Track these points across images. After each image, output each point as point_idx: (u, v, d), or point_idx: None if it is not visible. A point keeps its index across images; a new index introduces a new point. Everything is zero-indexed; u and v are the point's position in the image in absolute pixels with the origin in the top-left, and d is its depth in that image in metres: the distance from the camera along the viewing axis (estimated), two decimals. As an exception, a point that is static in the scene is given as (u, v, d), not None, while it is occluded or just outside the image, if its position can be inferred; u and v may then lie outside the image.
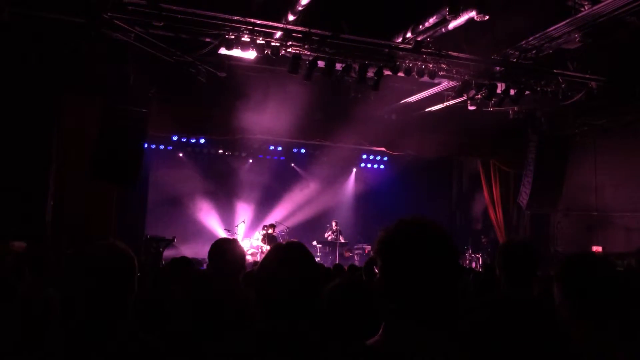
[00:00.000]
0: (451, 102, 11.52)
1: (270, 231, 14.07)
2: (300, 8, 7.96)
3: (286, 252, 1.96)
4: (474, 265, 14.07)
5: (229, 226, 14.83)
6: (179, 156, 15.17)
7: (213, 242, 3.46)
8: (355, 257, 15.13)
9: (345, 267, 7.27)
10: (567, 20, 8.07)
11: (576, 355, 1.88)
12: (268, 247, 13.60)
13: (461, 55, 9.54)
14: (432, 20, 8.22)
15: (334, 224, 15.33)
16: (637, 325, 1.87)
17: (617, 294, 1.88)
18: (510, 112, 12.25)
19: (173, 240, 11.80)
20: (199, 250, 12.41)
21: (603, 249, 12.26)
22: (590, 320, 1.89)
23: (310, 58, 9.20)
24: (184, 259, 5.88)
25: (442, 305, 1.50)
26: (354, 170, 17.56)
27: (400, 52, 9.33)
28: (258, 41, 8.68)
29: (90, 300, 2.04)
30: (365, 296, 2.22)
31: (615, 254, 11.54)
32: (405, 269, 1.50)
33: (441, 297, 1.50)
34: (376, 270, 1.67)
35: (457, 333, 1.55)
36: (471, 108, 11.30)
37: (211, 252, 3.38)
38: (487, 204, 14.85)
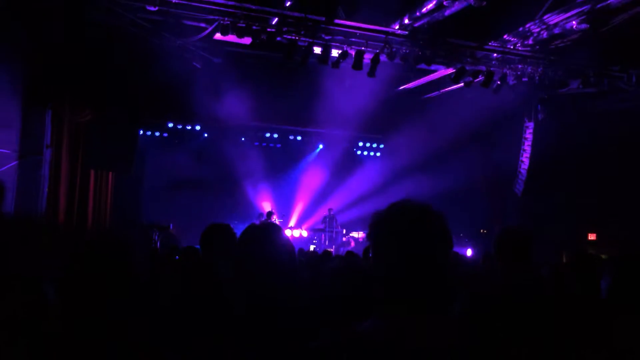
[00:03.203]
0: (448, 89, 11.49)
1: (268, 219, 14.07)
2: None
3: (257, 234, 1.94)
4: (469, 252, 14.11)
5: (226, 213, 14.81)
6: (175, 143, 15.10)
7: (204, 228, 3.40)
8: (352, 243, 15.16)
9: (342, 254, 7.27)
10: (565, 7, 8.03)
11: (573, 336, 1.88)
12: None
13: (458, 41, 9.50)
14: (429, 7, 8.17)
15: (329, 210, 15.34)
16: None
17: None
18: (507, 98, 12.23)
19: (169, 227, 11.78)
20: (195, 238, 12.38)
21: (598, 235, 12.33)
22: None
23: (306, 44, 9.14)
24: (192, 248, 5.85)
25: (435, 289, 1.48)
26: (351, 157, 17.53)
27: (397, 39, 9.28)
28: (253, 27, 8.61)
29: (90, 287, 2.04)
30: (362, 278, 2.21)
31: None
32: (397, 251, 1.48)
33: (434, 281, 1.48)
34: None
35: (453, 317, 1.53)
36: (467, 95, 11.27)
37: (203, 239, 3.33)
38: (481, 190, 14.88)
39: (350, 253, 6.54)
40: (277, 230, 1.96)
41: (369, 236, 1.59)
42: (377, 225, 1.56)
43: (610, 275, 2.08)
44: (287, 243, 1.95)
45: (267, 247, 1.88)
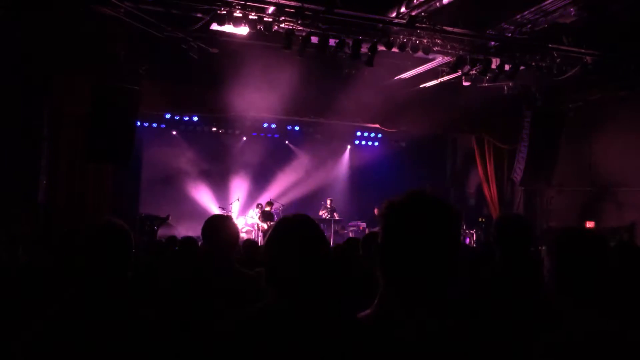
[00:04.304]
0: (446, 78, 11.45)
1: (267, 208, 14.08)
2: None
3: (296, 226, 1.88)
4: (468, 241, 14.16)
5: (224, 204, 14.82)
6: (172, 134, 15.07)
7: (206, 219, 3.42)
8: (350, 234, 15.18)
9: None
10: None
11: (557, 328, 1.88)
12: (264, 225, 13.63)
13: (456, 30, 9.45)
14: (426, -6, 8.13)
15: (328, 201, 15.35)
16: (624, 303, 1.86)
17: (600, 273, 1.87)
18: (505, 87, 12.21)
19: (167, 218, 11.79)
20: (192, 229, 12.40)
21: (596, 224, 12.35)
22: (570, 296, 1.89)
23: (304, 34, 9.09)
24: (190, 238, 5.87)
25: (441, 282, 1.48)
26: (349, 147, 17.53)
27: (394, 27, 9.23)
28: (250, 16, 8.55)
29: (87, 276, 2.04)
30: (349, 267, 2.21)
31: (608, 229, 11.65)
32: (411, 241, 1.46)
33: (441, 273, 1.48)
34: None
35: (453, 305, 1.53)
36: (466, 84, 11.25)
37: (204, 230, 3.35)
38: (481, 180, 14.88)
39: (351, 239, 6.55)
40: (311, 221, 1.91)
41: (381, 222, 1.56)
42: (392, 214, 1.54)
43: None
44: (322, 234, 1.92)
45: (306, 240, 1.83)
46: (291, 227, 1.85)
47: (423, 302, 1.46)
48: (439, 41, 9.59)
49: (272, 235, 1.86)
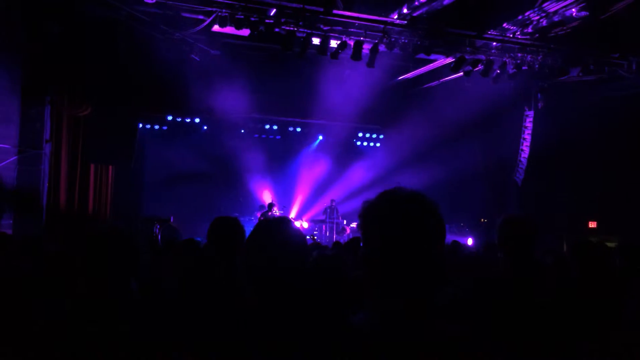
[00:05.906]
0: (447, 78, 11.45)
1: (268, 210, 14.07)
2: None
3: (273, 227, 1.93)
4: (471, 243, 14.13)
5: (226, 206, 14.80)
6: (174, 136, 15.06)
7: (212, 220, 3.40)
8: (347, 230, 15.18)
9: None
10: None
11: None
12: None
13: (457, 30, 9.45)
14: (428, -5, 8.14)
15: (330, 201, 15.34)
16: None
17: None
18: (507, 87, 12.20)
19: (169, 220, 11.78)
20: (195, 230, 12.40)
21: (599, 224, 12.33)
22: None
23: (305, 35, 9.09)
24: (192, 240, 5.85)
25: (425, 280, 1.44)
26: (351, 147, 17.50)
27: (396, 28, 9.23)
28: (252, 18, 8.56)
29: (90, 280, 2.05)
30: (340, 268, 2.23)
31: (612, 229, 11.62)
32: (386, 240, 1.44)
33: (424, 271, 1.44)
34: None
35: (447, 306, 1.51)
36: (467, 84, 11.24)
37: (211, 230, 3.33)
38: (482, 180, 14.86)
39: (337, 243, 6.55)
40: (287, 221, 1.96)
41: (359, 226, 1.55)
42: (366, 214, 1.53)
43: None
44: (298, 233, 1.95)
45: (278, 237, 1.87)
46: (268, 228, 1.90)
47: (411, 303, 1.44)
48: (440, 42, 9.59)
49: (250, 237, 1.90)
